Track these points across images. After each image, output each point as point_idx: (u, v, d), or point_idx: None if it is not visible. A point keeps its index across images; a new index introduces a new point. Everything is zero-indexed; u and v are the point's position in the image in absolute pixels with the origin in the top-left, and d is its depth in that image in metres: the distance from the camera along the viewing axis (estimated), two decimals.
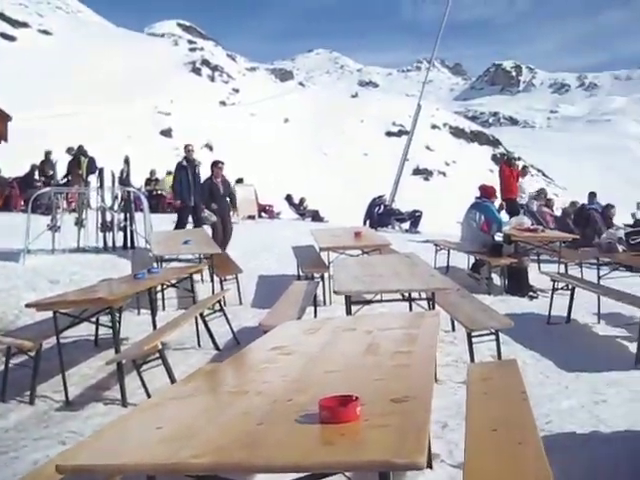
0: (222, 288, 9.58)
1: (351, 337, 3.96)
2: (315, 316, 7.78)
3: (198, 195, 12.60)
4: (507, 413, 3.72)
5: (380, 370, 3.07)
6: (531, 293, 10.10)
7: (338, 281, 6.39)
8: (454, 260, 12.08)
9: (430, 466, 4.28)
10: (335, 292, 6.38)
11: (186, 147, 13.35)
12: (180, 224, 13.21)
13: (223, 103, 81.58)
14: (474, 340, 6.15)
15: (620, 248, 8.19)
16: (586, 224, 14.02)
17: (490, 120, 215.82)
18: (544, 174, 64.13)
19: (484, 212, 10.79)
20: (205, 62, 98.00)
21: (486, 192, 11.08)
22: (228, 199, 13.28)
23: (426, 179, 52.17)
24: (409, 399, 2.53)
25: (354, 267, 7.20)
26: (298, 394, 2.75)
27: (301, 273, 10.20)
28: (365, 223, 21.59)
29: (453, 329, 7.64)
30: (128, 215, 13.82)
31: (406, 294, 6.41)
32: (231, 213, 13.50)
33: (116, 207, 14.17)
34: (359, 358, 3.37)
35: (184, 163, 13.06)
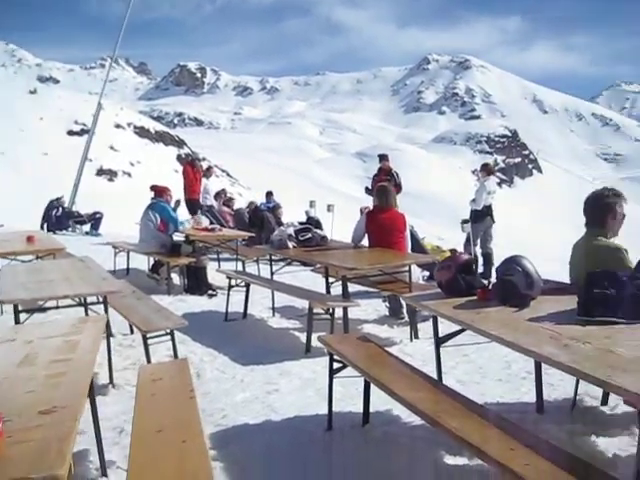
0: None
1: (8, 348, 3.73)
2: None
3: None
4: (174, 413, 3.73)
5: (33, 381, 2.93)
6: (210, 291, 10.24)
7: (3, 289, 6.02)
8: (135, 262, 11.95)
9: (105, 474, 4.19)
10: (0, 302, 6.03)
11: None
12: None
13: None
14: (151, 341, 6.11)
15: (291, 244, 8.57)
16: (261, 223, 14.60)
17: (175, 120, 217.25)
18: (228, 174, 65.51)
19: (160, 212, 10.75)
20: None
21: (159, 192, 11.03)
22: None
23: (111, 180, 50.97)
24: (57, 409, 2.46)
25: (23, 273, 6.81)
26: None
27: None
28: (42, 226, 20.69)
29: (132, 332, 7.53)
30: None
31: (82, 299, 6.21)
32: None
33: None
34: (12, 370, 3.19)
35: None
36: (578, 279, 4.39)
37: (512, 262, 4.27)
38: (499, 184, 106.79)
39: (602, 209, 4.79)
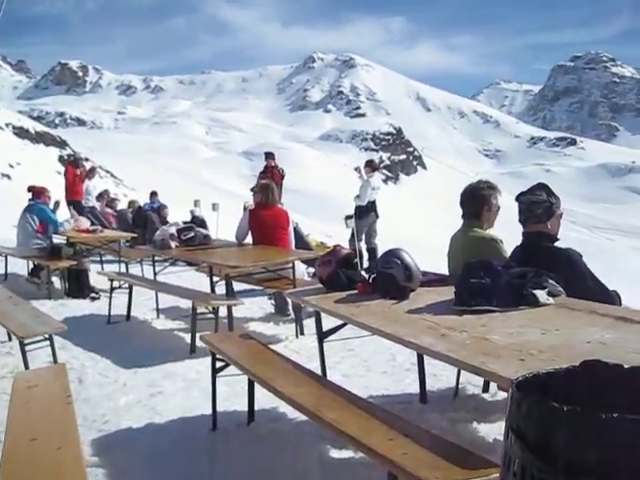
0: None
1: None
2: None
3: None
4: (49, 420, 3.62)
5: None
6: (93, 294, 9.97)
7: None
8: (15, 266, 11.53)
9: None
10: None
11: None
12: None
13: None
14: (30, 347, 5.90)
15: (173, 244, 8.45)
16: (145, 224, 14.37)
17: (57, 120, 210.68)
18: (113, 175, 64.04)
19: (38, 214, 10.44)
20: None
21: (37, 193, 10.71)
22: None
23: None
24: None
25: None
26: None
27: None
28: None
29: (10, 339, 7.26)
30: None
31: None
32: None
33: None
34: None
35: None
36: (456, 270, 4.47)
37: (391, 255, 4.32)
38: (385, 181, 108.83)
39: (477, 201, 4.91)
